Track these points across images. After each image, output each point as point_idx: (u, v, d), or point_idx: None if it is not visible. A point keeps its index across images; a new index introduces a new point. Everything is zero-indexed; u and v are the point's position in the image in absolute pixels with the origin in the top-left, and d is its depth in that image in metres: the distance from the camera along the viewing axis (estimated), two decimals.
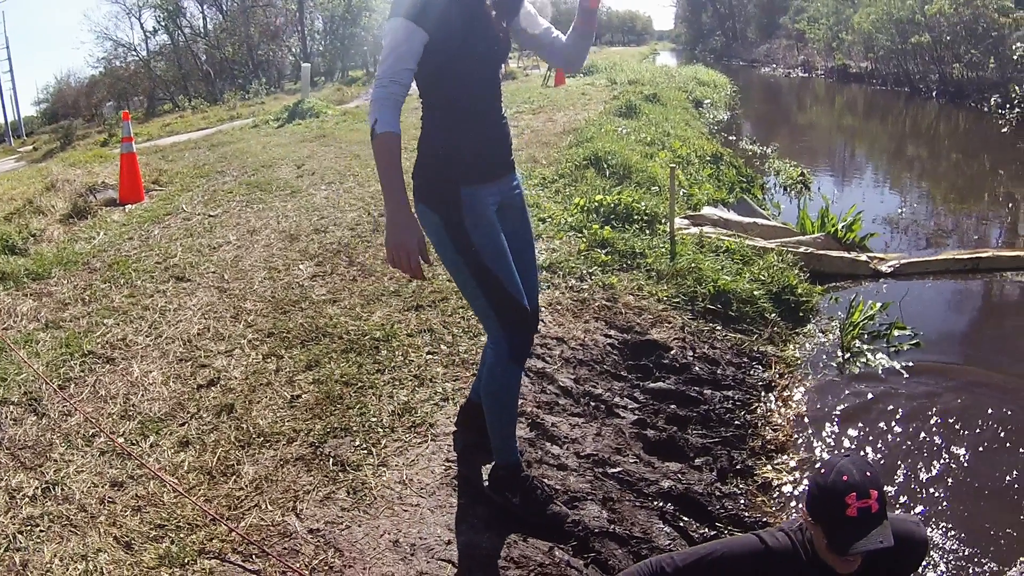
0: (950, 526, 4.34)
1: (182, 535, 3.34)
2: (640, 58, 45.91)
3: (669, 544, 3.68)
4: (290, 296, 5.82)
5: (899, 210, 12.60)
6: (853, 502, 2.61)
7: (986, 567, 4.02)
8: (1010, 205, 12.45)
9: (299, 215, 7.98)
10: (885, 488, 2.79)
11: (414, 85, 3.09)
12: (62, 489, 3.65)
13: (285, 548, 3.26)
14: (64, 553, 3.22)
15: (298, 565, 3.14)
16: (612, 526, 3.64)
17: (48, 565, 3.15)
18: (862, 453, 4.88)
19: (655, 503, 3.97)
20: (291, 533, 3.35)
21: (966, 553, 4.11)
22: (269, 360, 4.89)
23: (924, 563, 3.74)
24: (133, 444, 4.04)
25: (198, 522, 3.42)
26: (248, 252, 6.94)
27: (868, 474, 2.68)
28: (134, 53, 36.68)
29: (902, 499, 4.55)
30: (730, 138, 18.35)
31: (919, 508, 4.49)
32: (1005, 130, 17.23)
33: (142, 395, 4.54)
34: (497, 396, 3.40)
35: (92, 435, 4.13)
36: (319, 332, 5.18)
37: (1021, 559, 4.06)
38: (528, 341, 3.42)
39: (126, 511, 3.51)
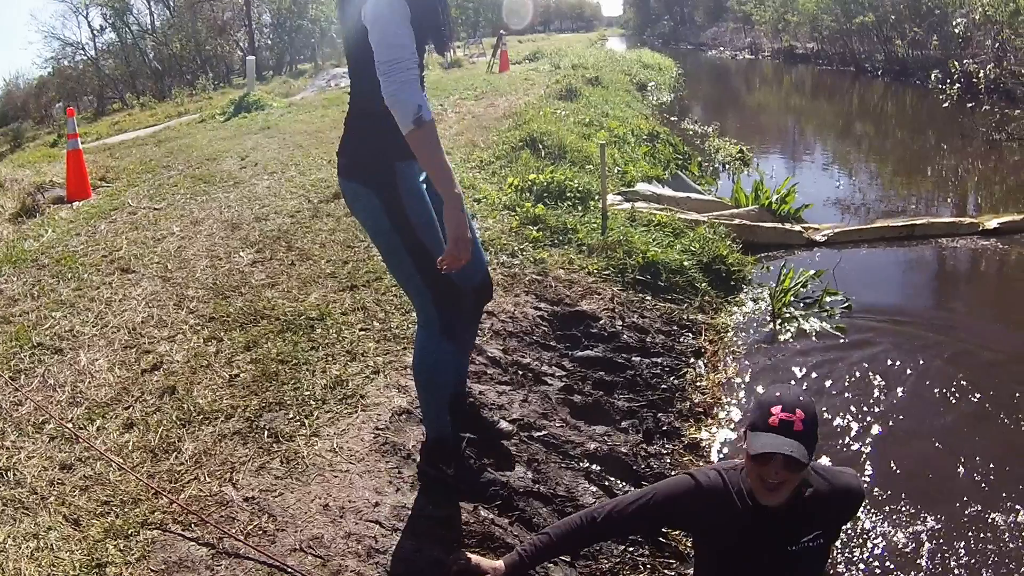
0: (880, 471, 4.55)
1: (126, 509, 3.45)
2: (588, 44, 46.01)
3: (593, 502, 3.84)
4: (231, 282, 5.93)
5: (837, 183, 12.81)
6: (777, 412, 2.74)
7: (912, 507, 4.21)
8: (953, 180, 12.65)
9: (241, 205, 8.06)
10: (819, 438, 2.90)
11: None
12: (14, 474, 3.73)
13: (222, 516, 3.39)
14: (16, 533, 3.30)
15: (234, 531, 3.27)
16: (537, 486, 3.80)
17: (1, 546, 3.23)
18: None
19: (580, 464, 4.13)
20: (228, 502, 3.48)
21: (895, 495, 4.30)
22: (210, 343, 5.00)
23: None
24: (81, 428, 4.12)
25: (141, 497, 3.52)
26: (191, 242, 7.02)
27: (801, 399, 2.80)
28: (82, 52, 36.36)
29: (835, 447, 4.76)
30: (672, 119, 18.53)
31: (850, 455, 4.69)
32: (946, 105, 17.50)
33: (89, 382, 4.63)
34: (429, 372, 3.45)
35: (42, 422, 4.21)
36: (257, 315, 5.29)
37: (944, 498, 4.28)
38: (460, 316, 3.42)
39: (74, 491, 3.60)
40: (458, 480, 3.60)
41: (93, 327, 5.37)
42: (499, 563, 3.16)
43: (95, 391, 4.54)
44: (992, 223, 8.97)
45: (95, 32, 39.48)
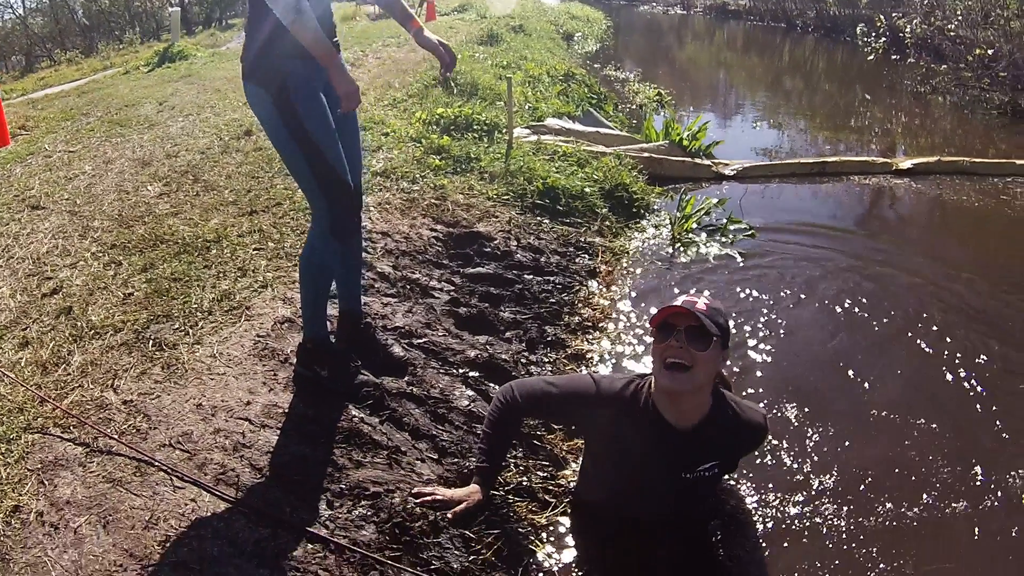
0: (772, 378, 4.67)
1: (11, 417, 3.45)
2: None
3: (468, 404, 3.90)
4: (135, 213, 5.86)
5: (759, 131, 12.83)
6: (682, 296, 2.81)
7: (802, 411, 4.33)
8: (876, 130, 12.68)
9: (154, 145, 7.94)
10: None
11: None
12: None
13: (100, 418, 3.40)
14: None
15: (109, 431, 3.29)
16: (411, 388, 3.84)
17: None
18: None
19: (459, 370, 4.17)
20: (107, 405, 3.49)
21: (788, 403, 4.41)
22: (109, 268, 4.96)
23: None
24: None
25: (28, 406, 3.52)
26: (101, 180, 6.91)
27: (712, 298, 2.84)
28: (10, 11, 35.23)
29: (731, 363, 4.81)
30: (595, 66, 18.48)
31: (744, 368, 4.79)
32: (871, 58, 17.65)
33: None
34: (314, 268, 3.50)
35: None
36: (158, 240, 5.26)
37: (831, 400, 4.43)
38: (349, 216, 3.48)
39: None
40: (331, 381, 3.64)
41: None
42: (471, 487, 3.22)
43: None
44: (906, 163, 9.07)
45: None
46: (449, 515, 3.10)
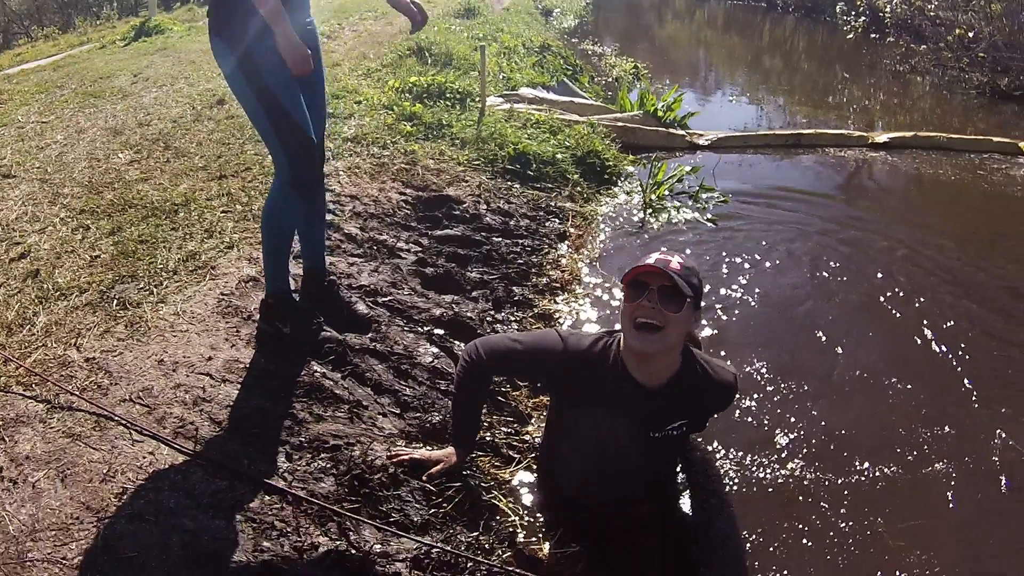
0: (743, 339, 4.66)
1: None
2: None
3: (432, 360, 3.87)
4: (105, 179, 5.78)
5: (731, 99, 12.79)
6: (655, 255, 2.70)
7: (773, 371, 4.31)
8: (854, 107, 12.60)
9: (126, 114, 7.82)
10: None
11: None
12: None
13: (62, 375, 3.34)
14: None
15: (71, 388, 3.24)
16: (374, 344, 3.80)
17: None
18: None
19: (424, 328, 4.13)
20: (69, 363, 3.43)
21: (759, 363, 4.39)
22: (77, 232, 4.89)
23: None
24: None
25: None
26: (73, 148, 6.81)
27: (685, 257, 2.74)
28: None
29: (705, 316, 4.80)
30: (572, 40, 18.36)
31: (714, 328, 4.77)
32: (851, 37, 17.60)
33: None
34: (275, 221, 3.47)
35: None
36: (126, 205, 5.18)
37: (803, 361, 4.43)
38: (309, 170, 3.45)
39: None
40: (294, 338, 3.59)
41: None
42: (448, 449, 3.17)
43: None
44: (882, 137, 9.00)
45: None
46: (424, 477, 3.06)
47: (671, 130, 9.21)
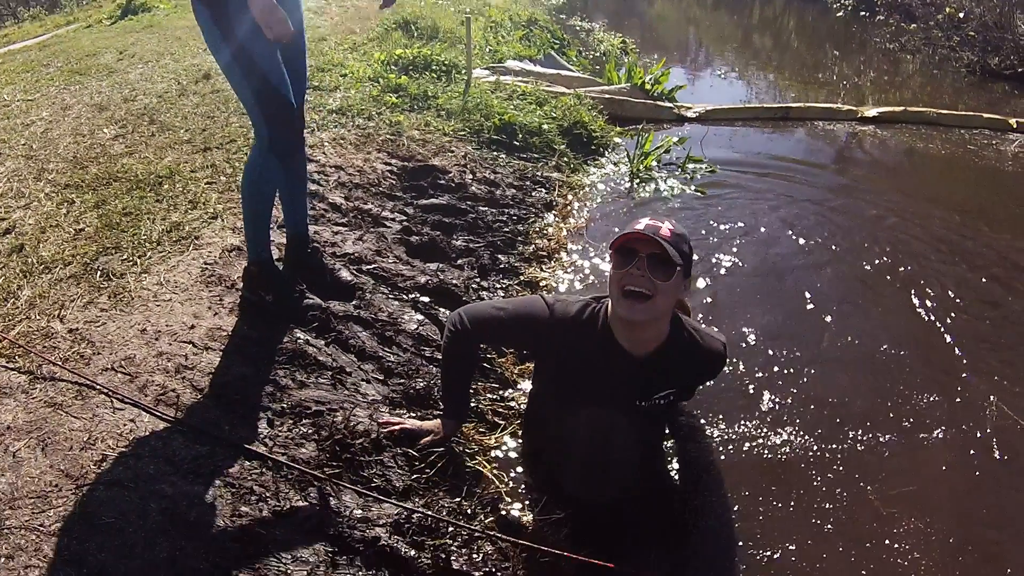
0: (731, 305, 4.62)
1: None
2: None
3: (416, 328, 3.82)
4: (90, 154, 5.71)
5: (720, 74, 12.68)
6: (644, 220, 2.59)
7: (762, 338, 4.29)
8: (844, 84, 12.50)
9: (112, 90, 7.74)
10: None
11: None
12: None
13: (45, 347, 3.30)
14: None
15: (53, 358, 3.20)
16: (359, 311, 3.76)
17: None
18: None
19: (408, 295, 4.08)
20: (53, 335, 3.39)
21: (748, 330, 4.36)
22: (62, 206, 4.82)
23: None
24: None
25: None
26: (58, 125, 6.73)
27: (675, 223, 2.63)
28: None
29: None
30: (561, 16, 18.23)
31: (705, 291, 4.75)
32: (840, 14, 17.50)
33: None
34: (255, 187, 3.41)
35: None
36: (111, 178, 5.11)
37: (792, 328, 4.39)
38: (288, 133, 3.38)
39: None
40: (277, 305, 3.55)
41: None
42: (437, 421, 3.11)
43: None
44: (872, 111, 8.93)
45: None
46: (415, 448, 3.02)
47: (659, 102, 9.14)
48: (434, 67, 7.73)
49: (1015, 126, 8.51)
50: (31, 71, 10.01)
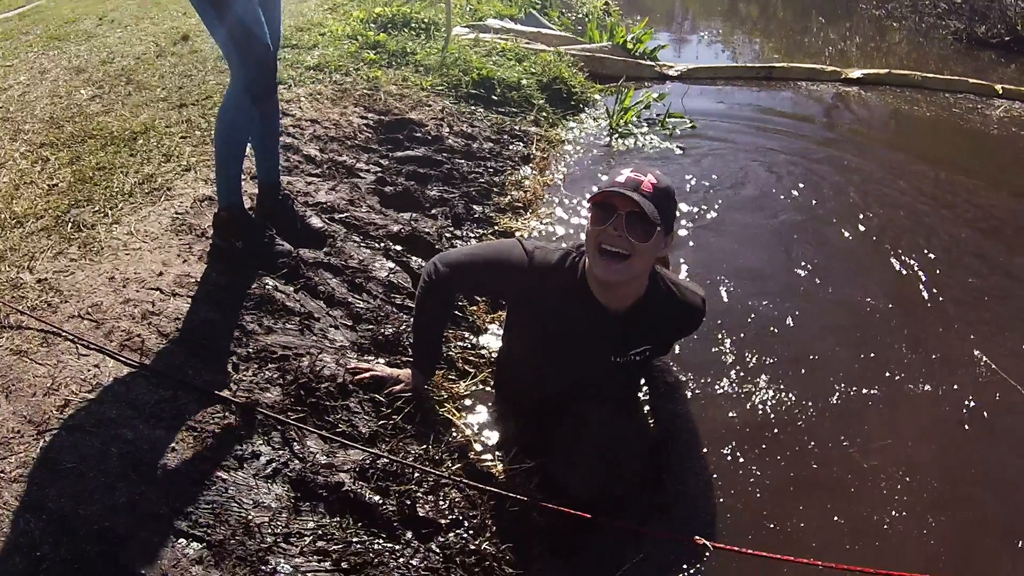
0: (710, 257, 4.56)
1: None
2: None
3: (387, 275, 3.75)
4: (66, 115, 5.59)
5: (701, 36, 12.52)
6: (627, 172, 2.44)
7: (741, 290, 4.22)
8: (830, 50, 12.32)
9: (90, 54, 7.59)
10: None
11: None
12: None
13: (13, 296, 3.23)
14: None
15: (21, 307, 3.12)
16: (329, 258, 3.68)
17: None
18: None
19: (380, 243, 4.00)
20: (21, 285, 3.31)
21: (727, 280, 4.30)
22: (36, 164, 4.73)
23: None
24: None
25: None
26: (35, 88, 6.61)
27: (660, 174, 2.48)
28: None
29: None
30: None
31: (682, 243, 4.68)
32: None
33: None
34: (226, 128, 3.32)
35: None
36: (86, 136, 5.01)
37: (772, 280, 4.34)
38: (263, 75, 3.29)
39: None
40: (247, 252, 3.47)
41: None
42: (407, 370, 3.01)
43: None
44: (856, 73, 8.78)
45: None
46: (382, 394, 2.94)
47: (640, 60, 9.02)
48: (413, 24, 7.61)
49: (1001, 92, 8.36)
50: (10, 39, 9.82)
